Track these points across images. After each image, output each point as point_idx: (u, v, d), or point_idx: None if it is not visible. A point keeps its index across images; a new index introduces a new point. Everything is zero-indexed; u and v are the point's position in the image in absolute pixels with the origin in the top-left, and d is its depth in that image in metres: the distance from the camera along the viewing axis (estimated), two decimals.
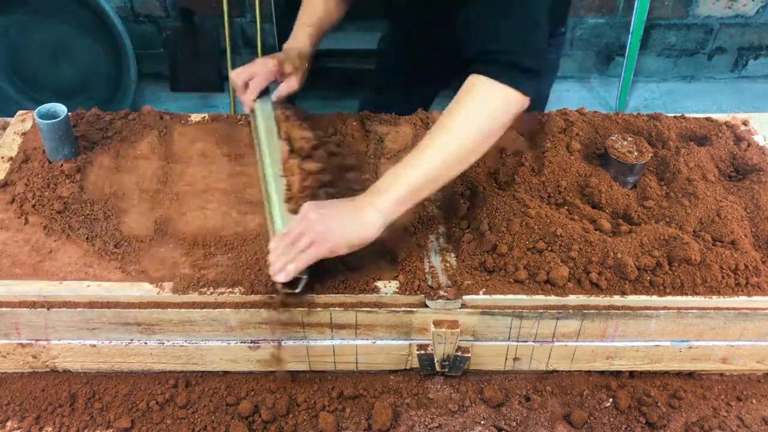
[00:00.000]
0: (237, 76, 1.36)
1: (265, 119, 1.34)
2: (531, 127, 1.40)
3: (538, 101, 1.64)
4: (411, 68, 1.63)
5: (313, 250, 1.03)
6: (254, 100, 1.37)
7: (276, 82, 1.39)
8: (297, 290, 1.07)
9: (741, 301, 1.12)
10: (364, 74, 3.10)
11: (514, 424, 1.13)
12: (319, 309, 1.09)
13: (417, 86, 1.66)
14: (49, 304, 1.08)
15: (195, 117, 1.46)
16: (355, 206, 1.06)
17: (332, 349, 1.15)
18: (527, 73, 1.09)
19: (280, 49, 1.43)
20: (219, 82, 3.18)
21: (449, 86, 1.23)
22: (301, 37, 1.43)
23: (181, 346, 1.13)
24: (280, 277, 1.04)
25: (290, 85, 1.39)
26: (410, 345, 1.15)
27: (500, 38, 1.10)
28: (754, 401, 1.19)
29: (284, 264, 1.04)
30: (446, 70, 1.47)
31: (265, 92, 1.38)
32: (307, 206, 1.07)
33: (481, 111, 1.08)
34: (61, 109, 1.25)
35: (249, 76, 1.36)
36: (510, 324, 1.12)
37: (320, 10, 1.45)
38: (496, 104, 1.08)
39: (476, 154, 1.10)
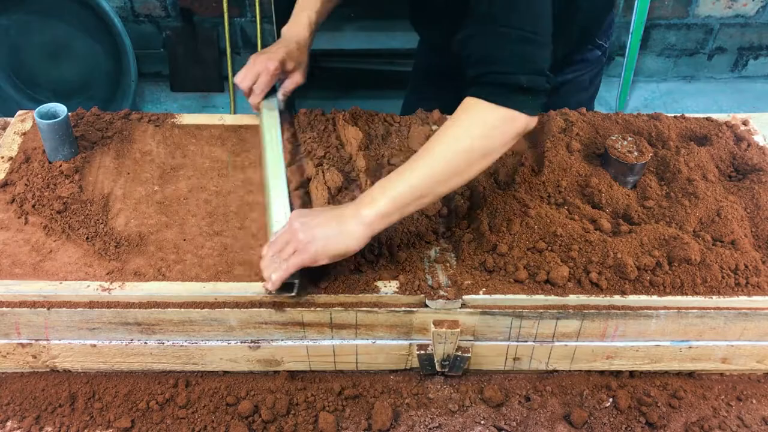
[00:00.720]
0: (241, 81, 1.36)
1: (268, 120, 1.34)
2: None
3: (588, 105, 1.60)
4: (437, 72, 1.59)
5: (297, 259, 1.04)
6: (260, 102, 1.37)
7: (280, 79, 1.38)
8: (292, 293, 1.08)
9: (741, 301, 1.12)
10: (363, 74, 3.12)
11: (514, 424, 1.13)
12: (319, 309, 1.09)
13: (447, 88, 1.64)
14: (49, 304, 1.08)
15: (191, 117, 1.46)
16: (339, 216, 1.05)
17: (332, 349, 1.15)
18: (528, 92, 1.06)
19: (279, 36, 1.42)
20: (219, 82, 3.19)
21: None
22: (299, 23, 1.41)
23: (181, 346, 1.13)
24: (269, 286, 1.06)
25: (295, 80, 1.39)
26: (410, 345, 1.15)
27: (495, 59, 1.05)
28: (754, 401, 1.19)
29: (271, 273, 1.05)
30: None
31: (271, 91, 1.38)
32: (294, 214, 1.08)
33: (473, 131, 1.06)
34: (61, 109, 1.25)
35: (253, 79, 1.35)
36: (510, 324, 1.12)
37: None
38: (491, 125, 1.06)
39: (468, 173, 1.07)
